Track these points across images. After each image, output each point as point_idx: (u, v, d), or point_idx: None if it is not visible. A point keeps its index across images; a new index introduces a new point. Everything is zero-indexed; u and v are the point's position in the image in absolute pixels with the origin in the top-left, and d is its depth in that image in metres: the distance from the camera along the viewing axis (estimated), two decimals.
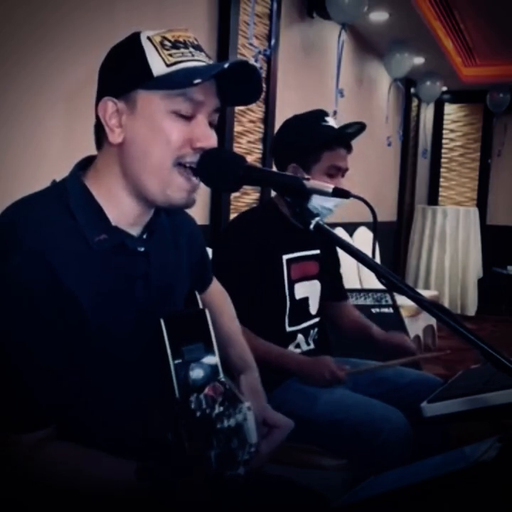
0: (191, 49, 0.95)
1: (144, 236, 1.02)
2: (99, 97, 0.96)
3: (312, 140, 1.76)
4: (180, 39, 0.95)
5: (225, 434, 0.75)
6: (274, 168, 1.89)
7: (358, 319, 2.09)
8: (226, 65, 0.90)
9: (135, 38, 0.94)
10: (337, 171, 1.79)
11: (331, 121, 1.80)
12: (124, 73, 0.94)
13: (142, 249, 1.00)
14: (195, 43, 0.97)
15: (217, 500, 0.76)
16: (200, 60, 0.94)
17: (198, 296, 1.19)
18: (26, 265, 0.86)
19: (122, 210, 0.98)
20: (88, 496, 0.91)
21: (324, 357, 1.72)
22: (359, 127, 1.82)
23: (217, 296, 1.31)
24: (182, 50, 0.93)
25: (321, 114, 1.83)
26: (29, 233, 0.89)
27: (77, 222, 0.93)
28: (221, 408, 0.77)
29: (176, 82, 0.91)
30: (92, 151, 1.02)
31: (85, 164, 1.01)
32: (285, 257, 1.78)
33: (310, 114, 1.85)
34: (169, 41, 0.93)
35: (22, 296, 0.86)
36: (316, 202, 1.76)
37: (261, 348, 1.65)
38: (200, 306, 1.18)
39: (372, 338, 1.98)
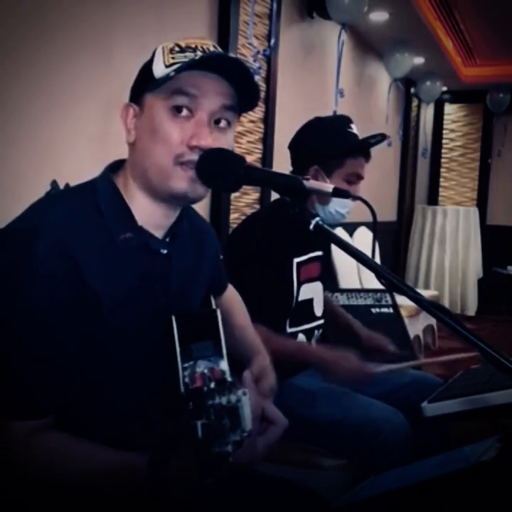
0: (199, 53, 0.96)
1: (167, 239, 1.05)
2: None
3: (339, 145, 1.77)
4: (192, 45, 0.97)
5: (215, 410, 0.75)
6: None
7: (342, 315, 2.12)
8: (197, 57, 0.94)
9: (156, 49, 1.00)
10: (356, 179, 1.81)
11: (355, 129, 1.82)
12: (137, 80, 1.02)
13: (165, 251, 1.03)
14: (211, 49, 0.98)
15: (205, 478, 0.74)
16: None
17: (213, 299, 1.21)
18: (51, 255, 0.88)
19: (144, 211, 1.00)
20: (81, 486, 0.91)
21: (349, 353, 1.68)
22: (381, 138, 1.83)
23: (232, 297, 1.36)
24: (187, 53, 0.95)
25: (346, 121, 1.84)
26: (55, 224, 0.91)
27: (103, 219, 0.96)
28: (215, 386, 0.77)
29: (164, 78, 0.94)
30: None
31: (116, 166, 1.04)
32: (296, 260, 1.78)
33: (335, 118, 1.89)
34: (179, 47, 0.97)
35: (44, 284, 0.88)
36: (333, 207, 1.81)
37: (280, 343, 1.65)
38: (213, 306, 1.19)
39: (354, 334, 2.01)
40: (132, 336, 0.97)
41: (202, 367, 0.93)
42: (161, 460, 0.86)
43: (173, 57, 0.95)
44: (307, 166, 1.81)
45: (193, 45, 0.97)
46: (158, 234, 1.03)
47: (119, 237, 0.96)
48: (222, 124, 0.99)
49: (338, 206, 1.81)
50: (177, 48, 0.97)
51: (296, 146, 1.88)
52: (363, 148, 1.80)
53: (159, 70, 0.95)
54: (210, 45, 0.99)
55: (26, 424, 0.89)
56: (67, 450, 0.91)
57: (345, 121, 1.84)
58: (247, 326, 1.34)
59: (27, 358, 0.89)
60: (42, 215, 0.93)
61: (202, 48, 0.97)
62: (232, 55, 0.99)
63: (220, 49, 1.01)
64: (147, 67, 0.99)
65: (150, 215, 1.01)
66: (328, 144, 1.78)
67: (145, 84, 0.98)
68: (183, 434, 0.77)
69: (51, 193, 1.00)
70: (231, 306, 1.33)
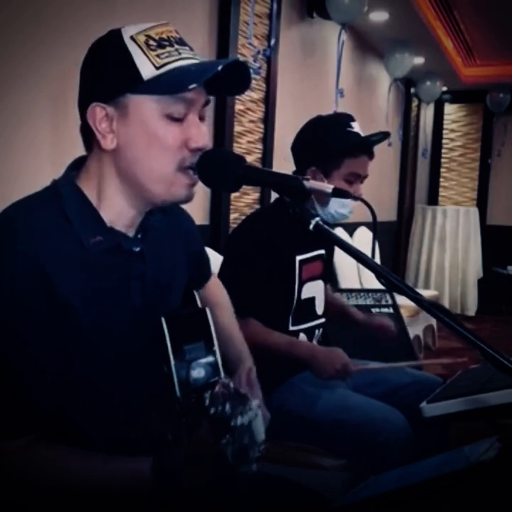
0: (176, 46, 0.93)
1: (139, 236, 1.02)
2: (84, 99, 0.94)
3: (335, 146, 1.75)
4: (164, 36, 0.93)
5: (238, 431, 0.76)
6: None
7: (335, 300, 2.14)
8: (220, 68, 0.89)
9: (117, 37, 0.92)
10: (356, 178, 1.79)
11: (356, 127, 1.79)
12: (111, 77, 0.92)
13: (138, 249, 1.00)
14: (178, 37, 0.95)
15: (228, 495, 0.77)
16: (187, 57, 0.93)
17: (197, 295, 1.19)
18: (20, 270, 0.86)
19: (117, 211, 0.97)
20: (82, 494, 0.91)
21: (337, 349, 1.71)
22: (382, 136, 1.81)
23: (216, 291, 1.32)
24: (168, 48, 0.92)
25: (346, 119, 1.81)
26: (23, 238, 0.88)
27: (71, 225, 0.93)
28: (232, 405, 0.78)
29: (169, 86, 0.90)
30: (82, 150, 1.01)
31: (77, 165, 1.00)
32: (298, 257, 1.78)
33: (335, 117, 1.85)
34: (154, 40, 0.92)
35: (14, 300, 0.86)
36: (333, 207, 1.80)
37: (271, 337, 1.66)
38: (199, 304, 1.18)
39: (350, 319, 2.05)
40: (117, 338, 0.95)
41: (197, 372, 0.93)
42: (164, 462, 0.86)
43: (158, 56, 0.90)
44: (306, 167, 1.80)
45: (165, 37, 0.93)
46: (130, 231, 1.00)
47: (89, 242, 0.93)
48: (204, 118, 0.98)
49: (338, 206, 1.79)
50: (152, 42, 0.91)
51: (295, 147, 1.87)
52: (360, 147, 1.78)
53: (148, 71, 0.89)
54: (174, 31, 0.95)
55: (14, 443, 0.88)
56: (65, 464, 0.91)
57: (345, 120, 1.81)
58: (233, 327, 1.29)
59: (4, 378, 0.87)
60: (8, 229, 0.89)
61: (173, 38, 0.94)
62: (240, 59, 0.97)
63: (179, 34, 0.96)
64: (123, 62, 0.90)
65: (122, 215, 0.98)
66: (324, 145, 1.77)
67: (127, 84, 0.90)
68: (213, 456, 0.79)
69: (17, 202, 0.94)
70: (216, 301, 1.28)
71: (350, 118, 1.82)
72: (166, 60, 0.91)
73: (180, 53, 0.93)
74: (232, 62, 0.92)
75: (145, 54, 0.90)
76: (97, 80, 0.94)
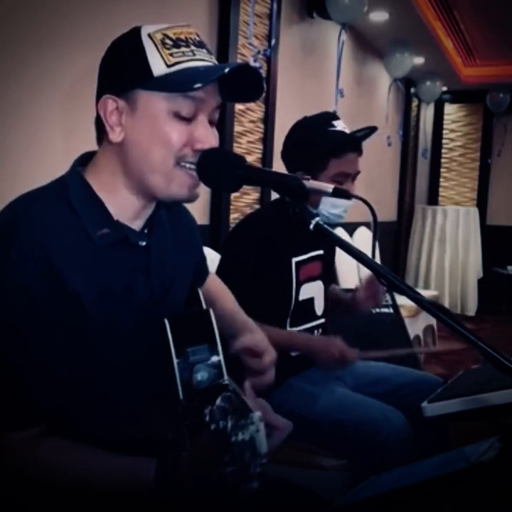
0: (193, 47, 0.94)
1: (145, 230, 1.03)
2: (100, 92, 0.96)
3: (317, 148, 1.70)
4: (182, 37, 0.94)
5: (239, 448, 0.74)
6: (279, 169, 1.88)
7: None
8: (227, 70, 0.90)
9: (136, 34, 0.94)
10: (345, 178, 1.74)
11: (339, 125, 1.74)
12: (124, 72, 0.94)
13: (144, 243, 1.00)
14: (197, 39, 0.96)
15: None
16: (201, 59, 0.94)
17: (201, 294, 1.19)
18: (25, 261, 0.86)
19: (123, 205, 0.98)
20: (84, 491, 0.91)
21: (335, 338, 1.71)
22: (368, 131, 1.77)
23: (216, 284, 1.33)
24: (183, 49, 0.93)
25: (327, 118, 1.76)
26: (30, 229, 0.89)
27: (78, 217, 0.93)
28: (233, 420, 0.76)
29: (177, 84, 0.91)
30: (92, 149, 1.02)
31: (84, 160, 1.01)
32: (295, 259, 1.76)
33: (317, 117, 1.79)
34: (171, 39, 0.93)
35: (19, 292, 0.86)
36: (324, 208, 1.76)
37: (267, 330, 1.66)
38: (203, 305, 1.18)
39: (341, 301, 2.01)
40: (121, 333, 0.95)
41: (200, 375, 0.92)
42: (168, 465, 0.86)
43: (171, 55, 0.91)
44: (293, 171, 1.77)
45: (183, 37, 0.94)
46: (136, 226, 1.00)
47: (96, 234, 0.93)
48: (215, 122, 0.99)
49: (329, 207, 1.76)
50: (169, 41, 0.92)
51: (283, 153, 1.85)
52: (343, 145, 1.73)
53: (159, 68, 0.91)
54: (194, 33, 0.96)
55: (23, 434, 0.88)
56: (72, 456, 0.91)
57: (327, 119, 1.76)
58: (236, 310, 1.29)
59: (11, 370, 0.87)
60: (13, 221, 0.89)
61: (192, 40, 0.95)
62: (250, 64, 0.98)
63: (199, 37, 0.97)
64: (136, 58, 0.92)
65: (128, 209, 0.98)
66: (306, 148, 1.73)
67: (138, 79, 0.92)
68: (212, 475, 0.77)
69: (23, 195, 0.95)
70: (216, 291, 1.29)
71: (332, 116, 1.78)
72: (178, 59, 0.92)
73: (194, 54, 0.93)
74: (241, 67, 0.93)
75: (158, 51, 0.92)
76: (111, 73, 0.96)
